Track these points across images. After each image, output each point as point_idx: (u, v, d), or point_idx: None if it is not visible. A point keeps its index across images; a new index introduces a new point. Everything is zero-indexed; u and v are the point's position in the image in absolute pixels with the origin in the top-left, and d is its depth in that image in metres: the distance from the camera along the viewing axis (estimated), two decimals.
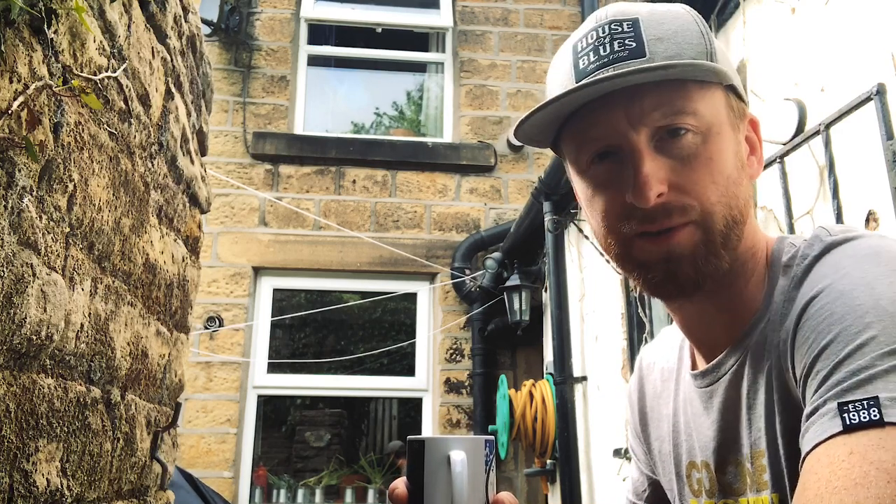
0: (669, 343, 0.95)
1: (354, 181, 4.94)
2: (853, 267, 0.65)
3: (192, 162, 1.66)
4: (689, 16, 0.74)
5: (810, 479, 0.57)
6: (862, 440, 0.55)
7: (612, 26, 0.72)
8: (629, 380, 1.02)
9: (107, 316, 1.17)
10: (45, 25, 0.90)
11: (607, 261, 3.24)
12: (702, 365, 0.83)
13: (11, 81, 0.83)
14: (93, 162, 1.08)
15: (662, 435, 0.91)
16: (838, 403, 0.57)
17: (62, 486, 1.02)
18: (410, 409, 6.08)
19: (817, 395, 0.60)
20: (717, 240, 0.71)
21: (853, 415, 0.56)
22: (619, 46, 0.71)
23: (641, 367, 0.99)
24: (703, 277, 0.72)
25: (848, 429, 0.56)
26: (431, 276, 4.87)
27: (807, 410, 0.61)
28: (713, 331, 0.79)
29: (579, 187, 0.79)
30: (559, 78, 0.76)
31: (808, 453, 0.59)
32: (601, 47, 0.71)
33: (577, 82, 0.72)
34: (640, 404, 0.97)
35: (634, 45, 0.70)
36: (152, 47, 1.36)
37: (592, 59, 0.72)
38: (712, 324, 0.79)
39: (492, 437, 0.78)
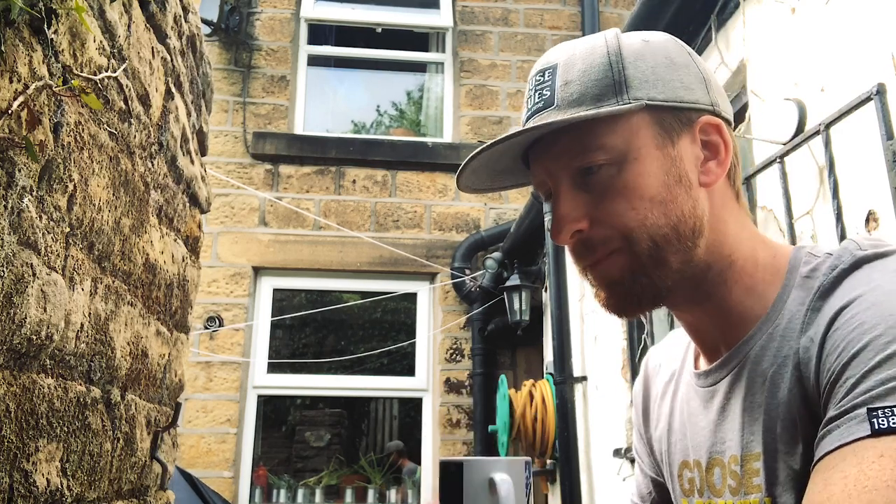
0: (676, 344, 0.96)
1: (354, 181, 4.94)
2: (885, 280, 0.66)
3: (192, 162, 1.66)
4: (603, 48, 0.76)
5: (835, 476, 0.58)
6: (892, 444, 0.56)
7: (537, 77, 0.78)
8: (635, 381, 1.03)
9: (107, 316, 1.17)
10: (45, 25, 0.90)
11: None
12: (705, 365, 0.84)
13: (11, 81, 0.83)
14: (93, 162, 1.08)
15: (661, 435, 0.92)
16: (868, 409, 0.58)
17: (62, 486, 1.02)
18: (410, 409, 6.08)
19: (845, 400, 0.61)
20: (644, 261, 0.73)
21: (882, 420, 0.57)
22: (538, 98, 0.77)
23: (647, 368, 1.00)
24: (642, 297, 0.75)
25: (877, 433, 0.57)
26: (431, 276, 4.87)
27: (830, 414, 0.61)
28: (712, 334, 0.81)
29: None
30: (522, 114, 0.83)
31: (828, 452, 0.59)
32: (530, 99, 0.78)
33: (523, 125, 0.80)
34: (643, 406, 0.98)
35: (549, 94, 0.76)
36: (152, 47, 1.36)
37: (528, 106, 0.78)
38: (710, 328, 0.80)
39: (529, 459, 0.78)
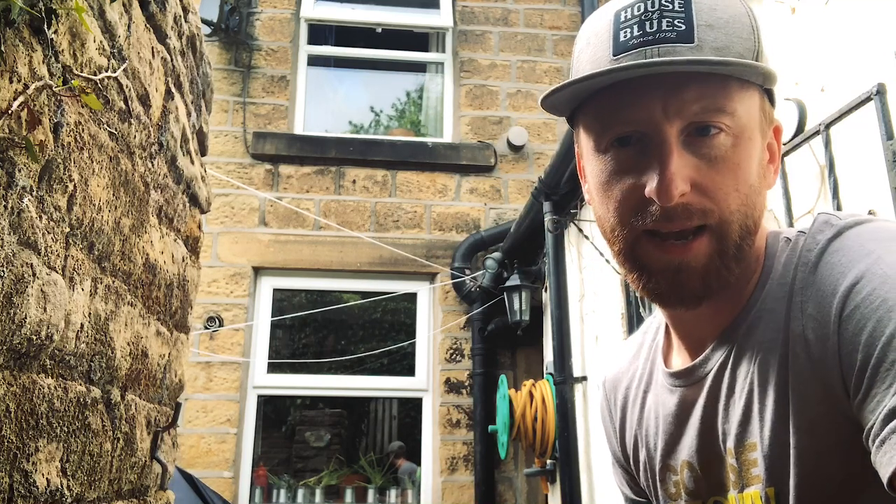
0: (633, 351, 0.93)
1: (354, 181, 4.94)
2: (882, 250, 0.63)
3: (192, 162, 1.66)
4: (743, 7, 0.70)
5: None
6: None
7: (664, 2, 0.67)
8: (600, 408, 1.01)
9: (107, 316, 1.17)
10: (45, 25, 0.90)
11: (607, 260, 3.24)
12: (685, 362, 0.80)
13: (11, 81, 0.83)
14: (93, 162, 1.08)
15: (637, 444, 0.89)
16: None
17: (62, 486, 1.02)
18: (410, 409, 6.07)
19: None
20: (730, 251, 0.68)
21: None
22: (667, 25, 0.66)
23: (606, 387, 0.97)
24: (710, 292, 0.70)
25: None
26: (431, 276, 4.86)
27: (891, 404, 0.57)
28: (703, 328, 0.77)
29: (593, 167, 0.74)
30: (596, 45, 0.71)
31: None
32: (647, 23, 0.67)
33: (614, 55, 0.68)
34: (618, 426, 0.95)
35: (683, 27, 0.66)
36: (152, 47, 1.36)
37: (636, 33, 0.67)
38: (704, 322, 0.77)
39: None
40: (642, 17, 0.67)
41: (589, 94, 0.71)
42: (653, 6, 0.67)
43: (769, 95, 0.73)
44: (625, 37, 0.68)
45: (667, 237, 0.69)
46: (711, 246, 0.68)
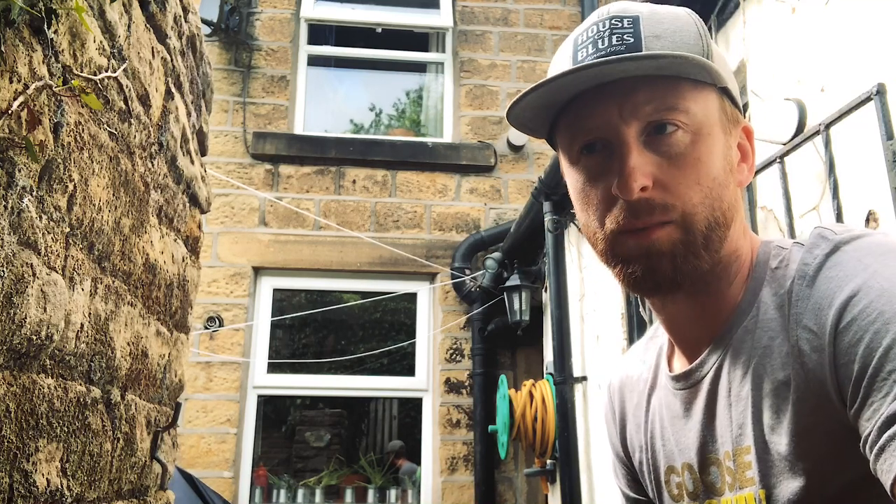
0: (639, 356, 0.96)
1: (354, 181, 4.94)
2: (878, 264, 0.65)
3: (192, 162, 1.66)
4: (689, 18, 0.76)
5: None
6: None
7: (613, 21, 0.73)
8: (604, 407, 1.03)
9: (107, 316, 1.17)
10: (45, 25, 0.90)
11: None
12: (683, 365, 0.83)
13: (11, 81, 0.83)
14: (93, 162, 1.08)
15: (641, 446, 0.91)
16: None
17: (62, 486, 1.02)
18: (410, 409, 6.08)
19: None
20: (697, 240, 0.71)
21: None
22: (617, 41, 0.72)
23: (611, 390, 1.00)
24: (682, 276, 0.72)
25: None
26: (431, 276, 4.86)
27: (888, 412, 0.58)
28: (695, 330, 0.80)
29: (570, 179, 0.79)
30: (560, 67, 0.77)
31: None
32: (600, 41, 0.73)
33: None
34: (619, 426, 0.97)
35: (632, 40, 0.71)
36: (152, 47, 1.36)
37: (591, 51, 0.73)
38: (694, 324, 0.79)
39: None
40: (595, 37, 0.73)
41: (556, 112, 0.76)
42: (604, 26, 0.73)
43: (730, 97, 0.77)
44: (581, 56, 0.74)
45: (637, 231, 0.73)
46: (678, 235, 0.72)
